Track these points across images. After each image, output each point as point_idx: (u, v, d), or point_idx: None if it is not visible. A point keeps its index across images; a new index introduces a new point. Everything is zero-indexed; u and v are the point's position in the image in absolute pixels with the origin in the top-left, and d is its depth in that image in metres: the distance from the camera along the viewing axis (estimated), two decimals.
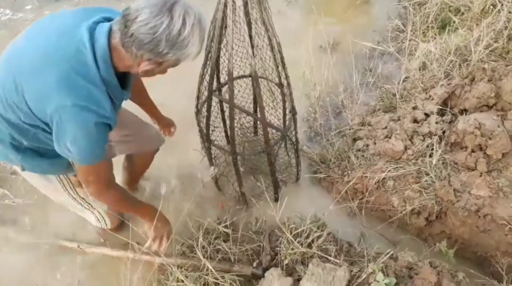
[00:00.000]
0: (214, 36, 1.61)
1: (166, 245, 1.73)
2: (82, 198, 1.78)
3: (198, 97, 1.93)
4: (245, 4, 1.49)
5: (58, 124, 1.22)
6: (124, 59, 1.23)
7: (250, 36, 1.71)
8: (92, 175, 1.40)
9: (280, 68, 1.85)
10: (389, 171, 2.07)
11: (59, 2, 3.84)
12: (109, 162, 1.48)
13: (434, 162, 2.02)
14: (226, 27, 1.56)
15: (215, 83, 1.86)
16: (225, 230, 1.93)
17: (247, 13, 1.53)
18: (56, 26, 1.27)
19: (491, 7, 2.83)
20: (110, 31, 1.22)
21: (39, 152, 1.46)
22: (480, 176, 1.93)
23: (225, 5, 1.51)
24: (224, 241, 1.92)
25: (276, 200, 2.17)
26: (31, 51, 1.24)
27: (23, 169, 1.52)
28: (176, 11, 1.14)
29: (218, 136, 2.25)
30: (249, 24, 1.63)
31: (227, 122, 2.29)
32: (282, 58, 1.80)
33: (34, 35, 1.29)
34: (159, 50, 1.16)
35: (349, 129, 2.47)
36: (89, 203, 1.83)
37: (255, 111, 2.26)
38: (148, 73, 1.29)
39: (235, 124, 1.87)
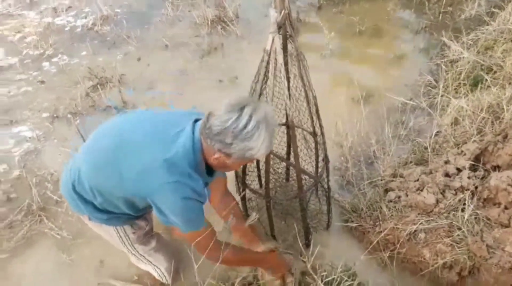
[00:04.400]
0: (255, 89, 1.77)
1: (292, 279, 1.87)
2: (141, 254, 1.90)
3: None
4: (286, 62, 1.64)
5: (161, 199, 1.43)
6: (205, 149, 1.44)
7: (289, 89, 1.86)
8: (196, 239, 1.52)
9: (314, 118, 1.96)
10: (420, 223, 2.09)
11: (111, 49, 4.18)
12: (211, 229, 1.59)
13: (466, 217, 2.03)
14: (267, 81, 1.72)
15: None
16: (255, 273, 1.98)
17: (287, 70, 1.67)
18: (162, 118, 1.57)
19: None
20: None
21: (106, 210, 1.65)
22: None
23: (268, 63, 1.67)
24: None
25: (308, 246, 2.21)
26: (141, 132, 1.48)
27: (89, 219, 1.71)
28: (246, 109, 1.31)
29: (252, 180, 2.35)
30: (288, 79, 1.78)
31: (261, 166, 2.40)
32: (317, 110, 1.92)
33: (140, 121, 1.57)
34: (226, 140, 1.32)
35: (381, 180, 2.51)
36: (149, 260, 1.94)
37: (288, 157, 2.36)
38: (220, 164, 1.46)
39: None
